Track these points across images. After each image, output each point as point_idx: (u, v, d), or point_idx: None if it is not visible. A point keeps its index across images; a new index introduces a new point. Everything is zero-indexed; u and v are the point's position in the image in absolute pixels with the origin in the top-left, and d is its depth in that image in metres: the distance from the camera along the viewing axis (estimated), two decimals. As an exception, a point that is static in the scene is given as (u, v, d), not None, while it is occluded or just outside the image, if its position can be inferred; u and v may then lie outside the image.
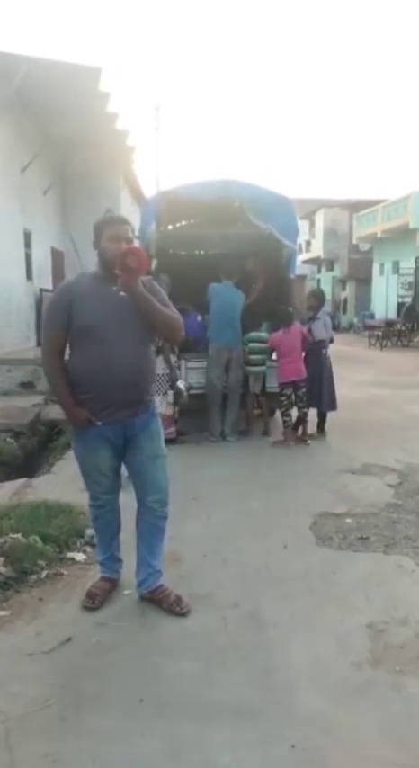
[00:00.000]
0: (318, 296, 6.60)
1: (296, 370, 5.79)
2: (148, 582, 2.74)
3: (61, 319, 2.54)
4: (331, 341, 6.40)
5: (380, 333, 17.70)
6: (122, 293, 2.47)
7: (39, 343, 11.87)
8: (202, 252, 7.87)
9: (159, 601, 2.70)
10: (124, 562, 2.93)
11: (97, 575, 2.93)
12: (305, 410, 5.93)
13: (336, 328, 25.01)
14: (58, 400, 2.70)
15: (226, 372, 5.95)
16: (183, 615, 2.65)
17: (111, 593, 2.82)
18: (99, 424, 2.56)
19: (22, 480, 4.72)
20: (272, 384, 6.02)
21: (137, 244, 2.62)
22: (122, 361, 2.49)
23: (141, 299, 2.48)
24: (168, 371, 5.75)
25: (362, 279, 26.27)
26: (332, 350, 6.34)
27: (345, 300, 28.26)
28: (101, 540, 2.89)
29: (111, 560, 2.89)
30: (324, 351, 6.11)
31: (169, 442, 5.50)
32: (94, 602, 2.73)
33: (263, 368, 6.08)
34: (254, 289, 6.70)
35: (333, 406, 6.21)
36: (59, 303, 2.57)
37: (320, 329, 6.14)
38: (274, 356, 5.92)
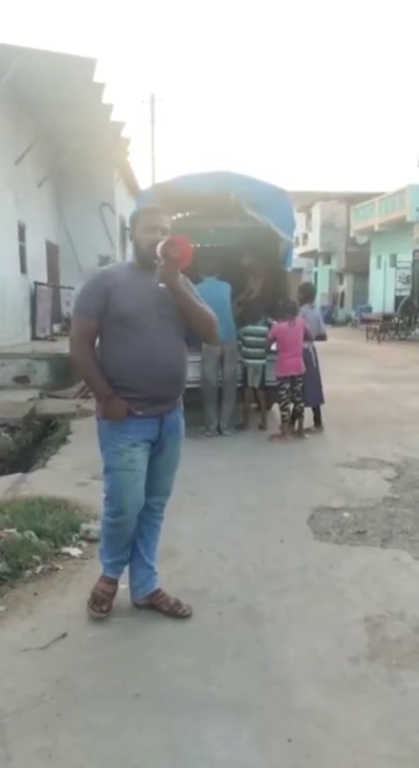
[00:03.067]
0: (304, 290, 6.68)
1: (296, 364, 5.77)
2: (147, 585, 2.66)
3: (97, 306, 2.40)
4: (322, 338, 6.37)
5: (378, 326, 17.68)
6: (162, 285, 2.36)
7: (33, 337, 11.86)
8: (198, 245, 7.83)
9: (158, 606, 2.63)
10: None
11: (93, 570, 2.90)
12: (302, 404, 5.92)
13: (333, 322, 25.08)
14: (94, 390, 2.52)
15: (221, 366, 5.94)
16: (186, 618, 2.59)
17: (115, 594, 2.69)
18: (139, 413, 2.41)
19: (17, 475, 4.71)
20: (271, 378, 6.00)
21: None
22: (164, 354, 2.40)
23: (180, 292, 2.38)
24: None
25: (360, 272, 26.24)
26: (329, 344, 6.33)
27: (342, 294, 28.23)
28: (113, 548, 2.65)
29: (119, 563, 2.72)
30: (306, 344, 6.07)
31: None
32: (103, 608, 2.61)
33: (263, 361, 6.06)
34: (252, 285, 6.66)
35: (319, 400, 6.19)
36: (97, 289, 2.42)
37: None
38: (274, 347, 5.90)
